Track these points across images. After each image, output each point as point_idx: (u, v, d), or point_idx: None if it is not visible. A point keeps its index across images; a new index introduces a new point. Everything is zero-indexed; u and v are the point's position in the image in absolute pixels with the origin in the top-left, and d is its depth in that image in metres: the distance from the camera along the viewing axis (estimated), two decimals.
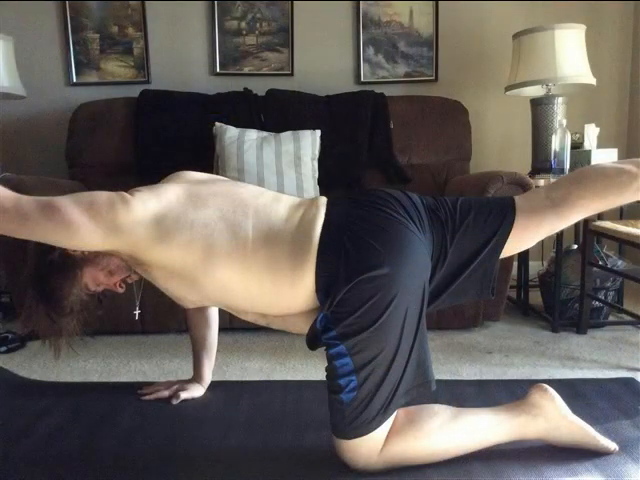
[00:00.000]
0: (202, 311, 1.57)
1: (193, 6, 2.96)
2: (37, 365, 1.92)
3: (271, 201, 1.25)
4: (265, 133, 2.55)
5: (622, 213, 2.49)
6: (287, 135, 2.52)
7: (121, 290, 1.37)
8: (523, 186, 2.13)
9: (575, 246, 2.48)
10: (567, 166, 2.36)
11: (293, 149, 2.49)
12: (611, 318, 2.39)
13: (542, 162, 2.61)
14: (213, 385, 1.62)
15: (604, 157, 2.32)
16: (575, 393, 1.56)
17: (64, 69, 2.97)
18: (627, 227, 1.99)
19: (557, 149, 2.38)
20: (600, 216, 2.36)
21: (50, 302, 1.27)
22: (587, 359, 1.92)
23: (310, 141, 2.53)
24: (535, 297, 2.59)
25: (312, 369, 1.85)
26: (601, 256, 2.30)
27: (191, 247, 1.16)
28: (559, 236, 2.28)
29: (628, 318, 2.29)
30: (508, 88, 2.73)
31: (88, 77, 2.98)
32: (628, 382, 1.67)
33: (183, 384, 1.59)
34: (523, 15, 3.00)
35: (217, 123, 2.54)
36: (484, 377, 1.76)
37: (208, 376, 1.61)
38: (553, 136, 2.42)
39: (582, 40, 2.58)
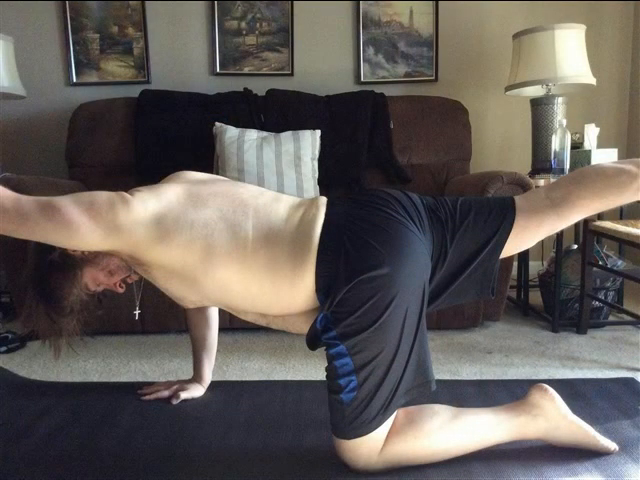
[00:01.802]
0: (202, 311, 1.57)
1: (193, 6, 2.96)
2: (37, 365, 1.92)
3: (271, 201, 1.25)
4: (265, 133, 2.55)
5: (622, 213, 2.49)
6: (287, 135, 2.52)
7: (121, 290, 1.37)
8: (523, 186, 2.13)
9: (575, 246, 2.48)
10: (567, 166, 2.36)
11: (293, 149, 2.49)
12: (611, 318, 2.39)
13: (542, 162, 2.61)
14: (213, 385, 1.62)
15: (604, 157, 2.32)
16: (575, 393, 1.56)
17: (64, 69, 2.97)
18: (627, 227, 1.99)
19: (557, 149, 2.38)
20: (600, 216, 2.37)
21: (50, 302, 1.27)
22: (587, 359, 1.92)
23: (310, 141, 2.53)
24: (535, 297, 2.59)
25: (312, 369, 1.85)
26: (601, 256, 2.30)
27: (191, 247, 1.16)
28: (559, 236, 2.28)
29: (628, 318, 2.29)
30: (508, 88, 2.73)
31: (88, 77, 2.98)
32: (628, 382, 1.67)
33: (183, 384, 1.59)
34: (523, 15, 3.00)
35: (217, 123, 2.54)
36: (484, 377, 1.76)
37: (208, 376, 1.61)
38: (553, 136, 2.42)
39: (582, 40, 2.58)
